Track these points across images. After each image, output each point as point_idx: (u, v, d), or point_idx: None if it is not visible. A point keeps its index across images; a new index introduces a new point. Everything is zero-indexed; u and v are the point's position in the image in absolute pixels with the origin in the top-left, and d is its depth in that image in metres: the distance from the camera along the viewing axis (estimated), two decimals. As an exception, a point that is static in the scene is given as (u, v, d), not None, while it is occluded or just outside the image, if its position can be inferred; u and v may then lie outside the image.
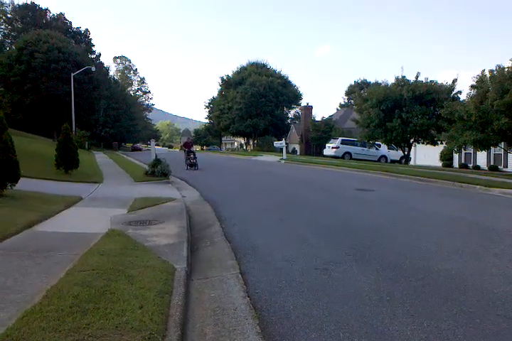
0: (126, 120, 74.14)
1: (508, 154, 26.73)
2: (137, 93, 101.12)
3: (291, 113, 70.25)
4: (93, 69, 44.73)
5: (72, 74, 41.32)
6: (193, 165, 20.38)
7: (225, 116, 63.29)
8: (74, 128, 40.78)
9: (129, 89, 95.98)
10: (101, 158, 30.48)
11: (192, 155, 20.62)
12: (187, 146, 22.17)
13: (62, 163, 14.54)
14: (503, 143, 22.86)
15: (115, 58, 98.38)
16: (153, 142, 18.27)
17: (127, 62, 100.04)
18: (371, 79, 70.74)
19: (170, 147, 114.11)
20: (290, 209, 9.43)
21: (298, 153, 53.88)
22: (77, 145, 15.39)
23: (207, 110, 79.04)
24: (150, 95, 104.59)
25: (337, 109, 76.24)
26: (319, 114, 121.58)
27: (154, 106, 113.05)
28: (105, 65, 73.32)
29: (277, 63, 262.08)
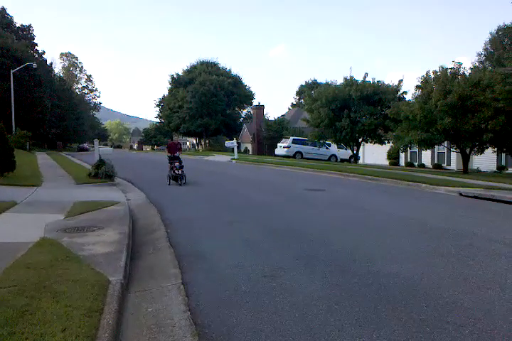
0: (71, 119, 71.27)
1: (451, 153, 27.73)
2: (84, 91, 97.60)
3: (244, 112, 70.11)
4: (34, 65, 42.60)
5: (12, 71, 39.17)
6: (177, 178, 14.20)
7: (176, 116, 62.25)
8: (14, 128, 38.70)
9: (75, 87, 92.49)
10: (43, 159, 29.02)
11: (177, 163, 14.40)
12: (171, 149, 15.69)
13: (-4, 165, 13.56)
14: (446, 142, 23.67)
15: (61, 55, 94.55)
16: (96, 142, 17.43)
17: (73, 59, 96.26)
18: (322, 80, 71.75)
19: (119, 147, 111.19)
20: (239, 212, 9.16)
21: (250, 153, 53.80)
22: (12, 147, 14.37)
23: (157, 109, 77.43)
24: (97, 93, 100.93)
25: (289, 109, 76.79)
26: (272, 113, 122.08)
27: (103, 104, 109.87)
28: (49, 62, 70.22)
29: (231, 63, 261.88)
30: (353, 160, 33.29)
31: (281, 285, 4.39)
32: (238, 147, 56.42)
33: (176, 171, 14.13)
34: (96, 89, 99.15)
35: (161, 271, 5.21)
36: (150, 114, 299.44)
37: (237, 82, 63.40)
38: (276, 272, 4.81)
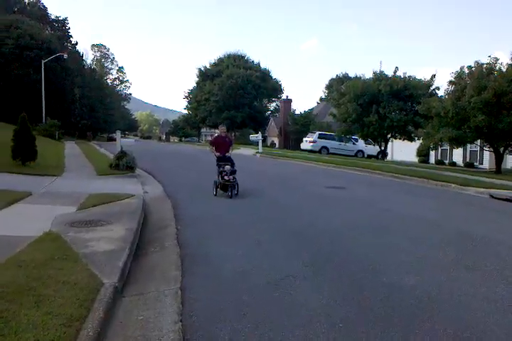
0: (102, 109, 72.31)
1: (484, 151, 26.64)
2: (115, 82, 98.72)
3: (272, 106, 69.53)
4: (65, 56, 43.17)
5: (43, 61, 39.76)
6: (227, 187, 10.18)
7: (202, 108, 62.22)
8: (44, 117, 39.36)
9: (106, 78, 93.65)
10: (70, 148, 29.32)
11: (228, 166, 10.34)
12: (219, 147, 11.11)
13: (18, 154, 13.62)
14: (479, 140, 22.71)
15: (93, 46, 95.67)
16: (118, 133, 17.40)
17: (105, 51, 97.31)
18: (352, 74, 70.42)
19: (148, 138, 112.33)
20: (256, 211, 8.82)
21: (277, 147, 53.33)
22: (34, 136, 14.35)
23: (186, 101, 77.64)
24: (128, 84, 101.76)
25: (317, 103, 75.74)
26: (300, 107, 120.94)
27: (134, 95, 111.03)
28: (81, 53, 71.19)
29: (260, 56, 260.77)
30: (380, 156, 32.46)
31: (284, 296, 4.04)
32: (264, 141, 56.12)
33: (226, 177, 9.99)
34: (127, 81, 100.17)
35: (162, 272, 4.94)
36: (180, 105, 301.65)
37: (265, 75, 62.81)
38: (282, 280, 4.46)
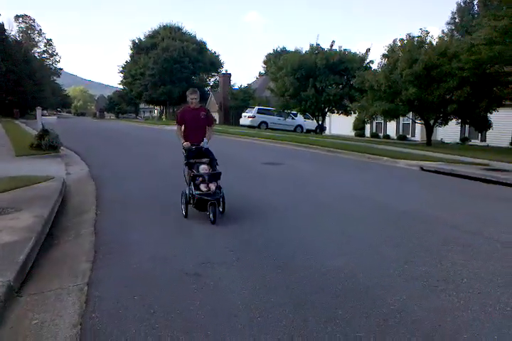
0: (30, 85, 67.64)
1: (416, 124, 27.48)
2: (43, 55, 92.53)
3: (212, 81, 67.96)
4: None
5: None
6: (206, 206, 5.91)
7: (138, 83, 59.79)
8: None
9: (33, 51, 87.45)
10: (-9, 127, 27.21)
11: (204, 166, 6.32)
12: (190, 128, 6.69)
13: None
14: (411, 113, 23.30)
15: (16, 17, 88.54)
16: (39, 110, 16.12)
17: (30, 21, 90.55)
18: (291, 48, 70.00)
19: (82, 114, 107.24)
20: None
21: (217, 122, 52.48)
22: None
23: (121, 76, 74.26)
24: (57, 58, 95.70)
25: (257, 78, 75.03)
26: (241, 82, 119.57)
27: (68, 71, 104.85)
28: (2, 23, 65.61)
29: (198, 29, 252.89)
30: (319, 130, 32.72)
31: (203, 287, 3.71)
32: (204, 116, 55.04)
33: (204, 186, 6.08)
34: (56, 54, 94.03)
35: (70, 265, 4.45)
36: (116, 81, 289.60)
37: (202, 48, 61.05)
38: (203, 268, 4.12)
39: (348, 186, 9.01)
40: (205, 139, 6.52)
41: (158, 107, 76.55)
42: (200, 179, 6.02)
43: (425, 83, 19.32)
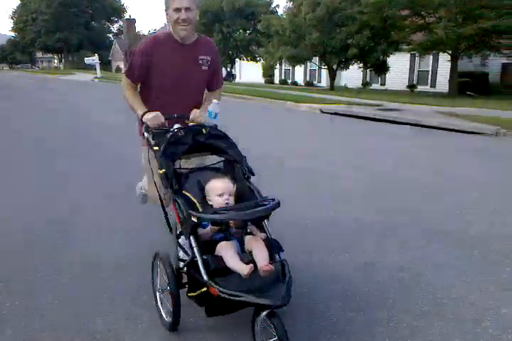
0: None
1: (322, 70, 27.93)
2: None
3: (115, 27, 63.46)
4: None
5: None
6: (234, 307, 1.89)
7: (29, 29, 54.29)
8: None
9: None
10: None
11: (224, 184, 2.12)
12: (166, 84, 2.73)
13: None
14: (316, 58, 23.56)
15: None
16: None
17: None
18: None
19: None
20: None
21: (123, 71, 49.75)
22: None
23: (11, 21, 66.83)
24: None
25: (165, 24, 71.36)
26: (149, 28, 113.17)
27: None
28: None
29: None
30: (231, 78, 32.25)
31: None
32: (109, 65, 51.83)
33: (239, 264, 1.81)
34: None
35: None
36: (7, 28, 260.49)
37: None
38: None
39: (252, 128, 9.06)
40: (214, 101, 2.60)
41: (57, 56, 70.64)
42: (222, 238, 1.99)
43: (328, 27, 19.48)
